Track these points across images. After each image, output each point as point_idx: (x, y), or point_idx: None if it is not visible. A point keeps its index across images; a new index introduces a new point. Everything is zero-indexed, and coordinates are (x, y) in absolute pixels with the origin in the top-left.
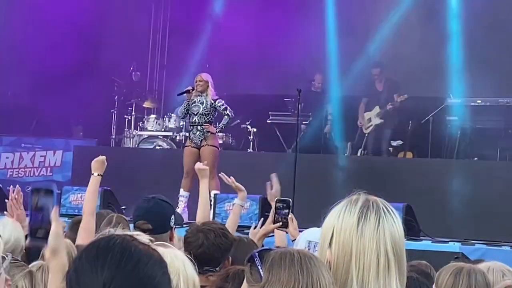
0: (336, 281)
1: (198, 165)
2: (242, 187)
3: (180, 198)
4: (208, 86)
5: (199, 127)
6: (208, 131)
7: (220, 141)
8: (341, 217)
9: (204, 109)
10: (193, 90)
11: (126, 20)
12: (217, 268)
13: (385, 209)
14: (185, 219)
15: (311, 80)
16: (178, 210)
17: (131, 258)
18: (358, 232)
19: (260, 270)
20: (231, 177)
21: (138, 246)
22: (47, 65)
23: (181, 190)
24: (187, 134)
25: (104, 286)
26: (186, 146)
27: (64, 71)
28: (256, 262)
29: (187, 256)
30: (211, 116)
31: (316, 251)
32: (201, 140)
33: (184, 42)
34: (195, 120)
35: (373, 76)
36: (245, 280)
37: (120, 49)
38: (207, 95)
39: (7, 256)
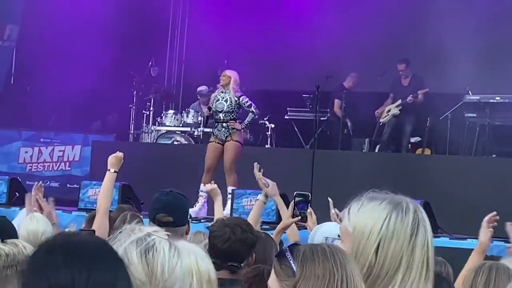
0: (376, 281)
1: (208, 187)
2: (270, 182)
3: (200, 193)
4: (230, 81)
5: (224, 124)
6: (234, 128)
7: None
8: (391, 225)
9: (229, 107)
10: (209, 109)
11: (144, 15)
12: (242, 264)
13: (425, 218)
14: (204, 214)
15: (328, 76)
16: (198, 206)
17: (83, 264)
18: (410, 246)
19: (292, 265)
20: (261, 170)
21: (85, 246)
22: (65, 61)
23: (202, 185)
24: (210, 130)
25: None
26: (210, 142)
27: (83, 67)
28: (288, 257)
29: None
30: (236, 113)
31: None
32: (226, 136)
33: (202, 37)
34: (220, 117)
35: (399, 72)
36: (273, 274)
37: (138, 44)
38: (229, 91)
39: None
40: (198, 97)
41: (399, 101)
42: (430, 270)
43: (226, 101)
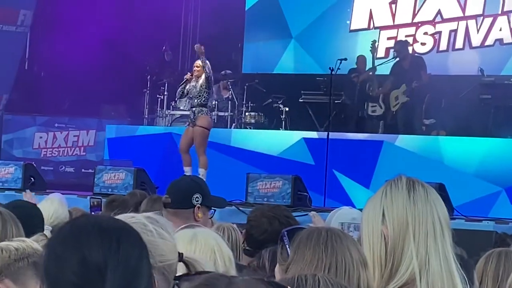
0: (394, 251)
1: None
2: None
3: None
4: (203, 72)
5: (192, 108)
6: (200, 112)
7: (252, 121)
8: (388, 193)
9: (197, 92)
10: (191, 75)
11: (158, 0)
12: None
13: (427, 185)
14: None
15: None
16: None
17: (112, 236)
18: (410, 202)
19: (288, 248)
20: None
21: (112, 222)
22: (79, 45)
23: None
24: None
25: (100, 271)
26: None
27: (97, 51)
28: (285, 240)
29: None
30: (203, 98)
31: (350, 232)
32: (194, 121)
33: (215, 21)
34: (191, 103)
35: (398, 54)
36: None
37: (152, 28)
38: (200, 78)
39: (50, 231)
40: (220, 82)
41: (404, 87)
42: (443, 226)
43: (195, 87)
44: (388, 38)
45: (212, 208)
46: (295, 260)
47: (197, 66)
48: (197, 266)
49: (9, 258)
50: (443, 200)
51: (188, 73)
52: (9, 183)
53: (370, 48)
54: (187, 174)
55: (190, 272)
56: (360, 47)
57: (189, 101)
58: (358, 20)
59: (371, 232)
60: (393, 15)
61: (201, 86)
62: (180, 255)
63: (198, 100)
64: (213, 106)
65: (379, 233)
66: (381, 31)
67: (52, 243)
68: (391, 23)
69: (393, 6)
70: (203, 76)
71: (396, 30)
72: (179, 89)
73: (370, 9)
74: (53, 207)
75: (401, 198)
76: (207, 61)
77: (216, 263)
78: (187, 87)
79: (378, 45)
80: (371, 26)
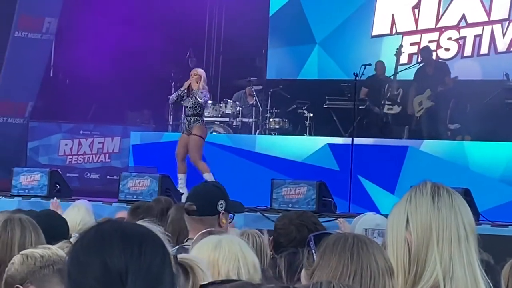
0: (418, 257)
1: None
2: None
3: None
4: (200, 81)
5: (187, 117)
6: (196, 122)
7: (276, 126)
8: (413, 199)
9: (191, 103)
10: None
11: (183, 6)
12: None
13: (452, 190)
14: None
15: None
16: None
17: (134, 242)
18: (434, 208)
19: (314, 254)
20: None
21: (135, 228)
22: (104, 51)
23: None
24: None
25: (122, 277)
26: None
27: (121, 58)
28: (311, 246)
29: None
30: (199, 109)
31: (374, 238)
32: (190, 129)
33: (239, 27)
34: (186, 111)
35: (424, 60)
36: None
37: (176, 35)
38: (198, 89)
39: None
40: (246, 88)
41: (429, 92)
42: (468, 232)
43: (192, 97)
44: (411, 44)
45: (231, 212)
46: (321, 266)
47: (194, 74)
48: (194, 268)
49: (35, 265)
50: (469, 205)
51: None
52: (35, 190)
53: (395, 53)
54: (181, 180)
55: (216, 281)
56: (384, 53)
57: (184, 109)
58: (380, 25)
59: (395, 238)
60: (416, 20)
61: (196, 99)
62: (175, 258)
63: (194, 111)
64: (237, 112)
65: (403, 239)
66: (404, 37)
67: (76, 248)
68: (414, 28)
69: (416, 10)
70: (198, 91)
71: (419, 35)
72: (177, 93)
73: (393, 14)
74: (80, 214)
75: (425, 204)
76: (202, 92)
77: (239, 271)
78: (185, 94)
79: (403, 50)
80: (394, 31)
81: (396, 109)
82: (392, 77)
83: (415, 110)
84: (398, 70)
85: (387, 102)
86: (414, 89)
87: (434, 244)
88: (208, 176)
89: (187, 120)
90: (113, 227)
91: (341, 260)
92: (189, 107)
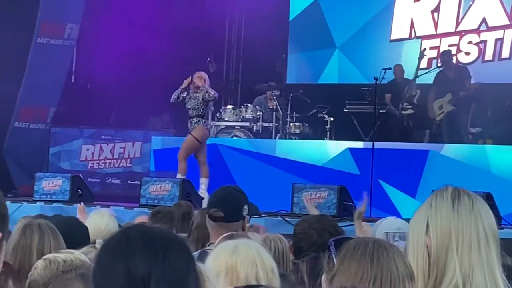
0: (437, 263)
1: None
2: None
3: None
4: (203, 83)
5: (190, 119)
6: (197, 123)
7: (297, 131)
8: (433, 204)
9: (195, 104)
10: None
11: (202, 12)
12: None
13: (473, 194)
14: None
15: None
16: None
17: (159, 248)
18: (454, 212)
19: (334, 259)
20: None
21: (160, 233)
22: (124, 57)
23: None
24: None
25: (144, 282)
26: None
27: (142, 63)
28: (332, 250)
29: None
30: (201, 110)
31: (396, 241)
32: (191, 130)
33: (259, 32)
34: (189, 113)
35: (445, 64)
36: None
37: (197, 39)
38: (201, 91)
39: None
40: (266, 92)
41: (450, 96)
42: (489, 236)
43: (195, 99)
44: (431, 48)
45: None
46: (340, 270)
47: (199, 77)
48: (201, 276)
49: (57, 270)
50: (491, 209)
51: (190, 77)
52: (57, 195)
53: (419, 56)
54: (202, 185)
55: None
56: (404, 57)
57: (187, 111)
58: (399, 29)
59: (415, 243)
60: (436, 24)
61: (202, 99)
62: None
63: (196, 112)
64: (258, 117)
65: (423, 244)
66: (423, 41)
67: (101, 253)
68: (434, 32)
69: (435, 14)
70: (203, 92)
71: (438, 39)
72: (178, 91)
73: (412, 18)
74: (104, 220)
75: (445, 208)
76: (209, 90)
77: (258, 275)
78: (186, 94)
79: (425, 54)
80: (413, 35)
81: (411, 110)
82: (411, 80)
83: (435, 114)
84: (418, 74)
85: (405, 104)
86: (434, 92)
87: (453, 249)
88: (180, 176)
89: (189, 122)
90: (138, 232)
91: (361, 265)
92: (191, 109)
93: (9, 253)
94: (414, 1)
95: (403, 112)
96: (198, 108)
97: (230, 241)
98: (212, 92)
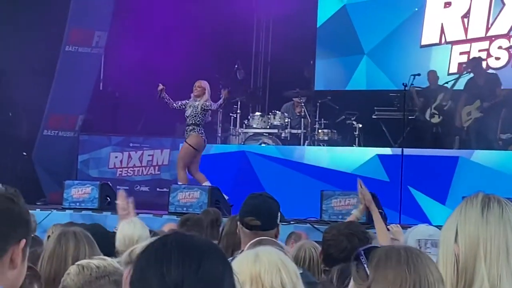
0: (466, 270)
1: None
2: (364, 202)
3: None
4: (204, 93)
5: (187, 127)
6: (192, 130)
7: (325, 138)
8: (463, 211)
9: (193, 112)
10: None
11: (230, 18)
12: None
13: (505, 201)
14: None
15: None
16: None
17: (194, 256)
18: (483, 220)
19: (366, 268)
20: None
21: (197, 241)
22: (152, 64)
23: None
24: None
25: None
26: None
27: (169, 70)
28: (362, 260)
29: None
30: (198, 118)
31: (428, 248)
32: (186, 138)
33: (287, 38)
34: (186, 121)
35: (473, 71)
36: (352, 279)
37: (224, 46)
38: (200, 99)
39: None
40: (294, 99)
41: (478, 103)
42: None
43: (192, 107)
44: (461, 53)
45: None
46: (376, 280)
47: (198, 86)
48: None
49: (90, 276)
50: None
51: (160, 84)
52: (86, 203)
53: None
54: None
55: None
56: (433, 62)
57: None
58: (429, 35)
59: (445, 250)
60: (466, 29)
61: (201, 108)
62: None
63: (192, 120)
64: (286, 123)
65: (451, 251)
66: (453, 46)
67: (138, 260)
68: (464, 38)
69: (465, 20)
70: (202, 101)
71: (469, 44)
72: (180, 104)
73: (442, 23)
74: (137, 229)
75: (474, 216)
76: (207, 101)
77: (283, 280)
78: (186, 102)
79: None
80: (443, 40)
81: (437, 119)
82: (445, 85)
83: (463, 120)
84: (448, 80)
85: (433, 110)
86: (463, 99)
87: (481, 258)
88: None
89: (185, 130)
90: (175, 239)
91: (398, 272)
92: (189, 116)
93: (45, 261)
94: (444, 7)
95: (428, 119)
96: (195, 116)
97: (250, 250)
98: (208, 104)
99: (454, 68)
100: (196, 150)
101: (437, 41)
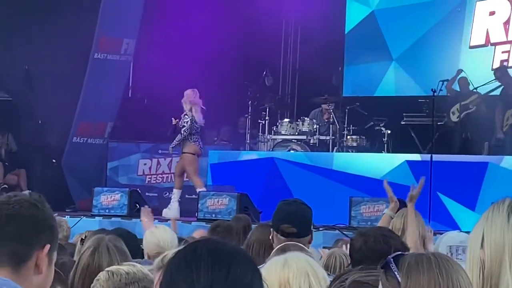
0: (491, 276)
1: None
2: (395, 198)
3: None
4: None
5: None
6: (185, 141)
7: (354, 144)
8: (489, 217)
9: (186, 126)
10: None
11: (258, 25)
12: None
13: None
14: (173, 214)
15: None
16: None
17: (223, 262)
18: (509, 226)
19: (397, 275)
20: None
21: (227, 248)
22: (180, 72)
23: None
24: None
25: None
26: None
27: (198, 77)
28: (392, 267)
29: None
30: (193, 129)
31: (459, 254)
32: (183, 148)
33: (315, 45)
34: (180, 132)
35: (500, 81)
36: (380, 286)
37: (252, 53)
38: (190, 110)
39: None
40: (323, 105)
41: None
42: None
43: (185, 120)
44: (503, 52)
45: None
46: (409, 286)
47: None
48: None
49: (120, 282)
50: None
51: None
52: (115, 209)
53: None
54: (175, 195)
55: None
56: (463, 68)
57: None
58: (474, 37)
59: (471, 256)
60: (507, 33)
61: (190, 120)
62: None
63: (189, 131)
64: (314, 130)
65: (477, 257)
66: (496, 46)
67: (169, 265)
68: (505, 39)
69: (507, 26)
70: (190, 109)
71: (509, 45)
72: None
73: (487, 29)
74: (168, 234)
75: (499, 221)
76: (187, 117)
77: (311, 285)
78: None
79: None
80: (488, 43)
81: (456, 118)
82: (478, 93)
83: (503, 125)
84: (477, 86)
85: (457, 107)
86: (501, 105)
87: (506, 264)
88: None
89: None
90: (206, 245)
91: (431, 278)
92: (183, 129)
93: (77, 276)
94: (490, 15)
95: (451, 117)
96: (190, 128)
97: (278, 256)
98: (184, 126)
99: (497, 64)
100: (194, 155)
101: (483, 43)
